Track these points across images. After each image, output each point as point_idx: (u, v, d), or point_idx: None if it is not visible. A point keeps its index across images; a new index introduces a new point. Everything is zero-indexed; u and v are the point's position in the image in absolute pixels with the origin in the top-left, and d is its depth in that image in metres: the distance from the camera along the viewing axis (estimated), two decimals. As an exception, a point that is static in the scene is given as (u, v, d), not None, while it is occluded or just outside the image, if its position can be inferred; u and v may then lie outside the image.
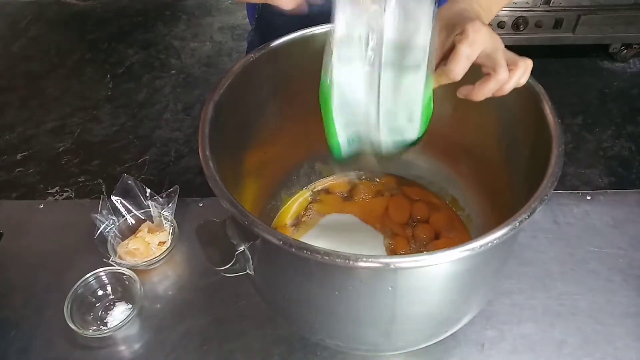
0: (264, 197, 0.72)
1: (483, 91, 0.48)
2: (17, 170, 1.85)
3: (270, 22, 0.82)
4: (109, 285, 0.70)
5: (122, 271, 0.70)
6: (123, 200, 0.76)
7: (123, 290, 0.70)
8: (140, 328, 0.67)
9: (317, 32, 0.62)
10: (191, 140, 1.94)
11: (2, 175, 1.84)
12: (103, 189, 1.77)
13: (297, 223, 0.74)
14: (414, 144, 0.55)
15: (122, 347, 0.66)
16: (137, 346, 0.66)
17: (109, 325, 0.67)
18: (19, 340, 0.67)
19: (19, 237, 0.79)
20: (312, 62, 0.65)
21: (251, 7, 0.86)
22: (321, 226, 0.73)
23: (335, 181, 0.79)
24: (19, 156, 1.90)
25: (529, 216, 0.43)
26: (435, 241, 0.70)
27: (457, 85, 0.51)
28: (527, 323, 0.66)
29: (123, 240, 0.74)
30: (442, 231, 0.71)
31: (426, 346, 0.57)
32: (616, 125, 1.96)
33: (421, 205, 0.74)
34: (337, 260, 0.40)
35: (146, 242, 0.73)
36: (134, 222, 0.77)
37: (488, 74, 0.48)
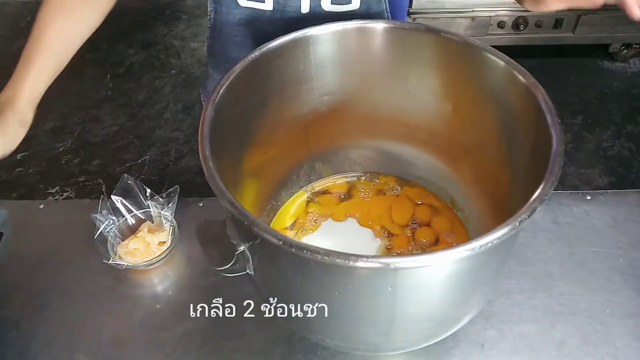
0: (264, 197, 0.72)
1: None
2: (17, 170, 1.85)
3: (222, 32, 0.81)
4: None
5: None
6: (123, 200, 0.76)
7: None
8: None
9: (316, 33, 0.62)
10: (191, 140, 1.93)
11: (2, 175, 1.83)
12: (103, 189, 1.77)
13: (297, 225, 0.74)
14: None
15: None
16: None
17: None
18: (19, 340, 0.67)
19: (19, 237, 0.79)
20: (311, 62, 0.65)
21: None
22: (320, 229, 0.73)
23: (334, 181, 0.79)
24: (19, 156, 1.89)
25: (529, 216, 0.43)
26: (435, 247, 0.70)
27: (456, 84, 0.51)
28: (527, 323, 0.66)
29: (123, 240, 0.74)
30: (442, 235, 0.71)
31: (426, 346, 0.57)
32: (616, 125, 1.96)
33: (424, 208, 0.74)
34: (337, 260, 0.40)
35: (146, 242, 0.73)
36: (134, 222, 0.76)
37: None
